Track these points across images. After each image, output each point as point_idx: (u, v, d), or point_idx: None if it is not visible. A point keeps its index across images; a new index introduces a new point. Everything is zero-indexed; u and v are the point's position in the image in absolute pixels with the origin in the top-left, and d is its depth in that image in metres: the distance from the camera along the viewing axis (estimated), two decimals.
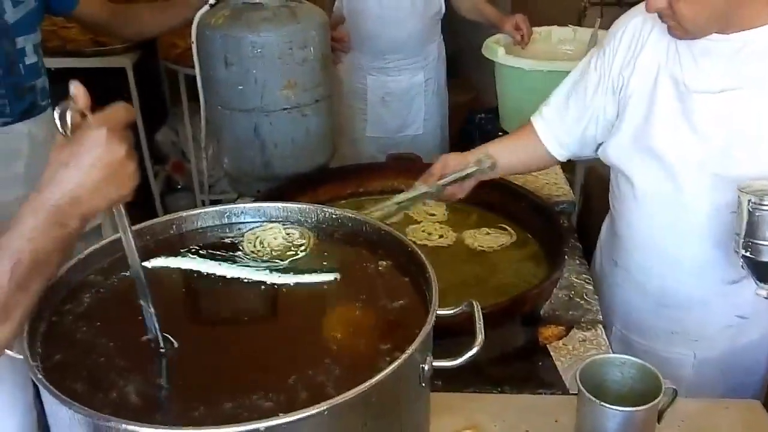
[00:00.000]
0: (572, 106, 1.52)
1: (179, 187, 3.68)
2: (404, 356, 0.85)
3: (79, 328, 0.96)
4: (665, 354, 1.50)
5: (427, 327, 0.91)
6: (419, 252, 1.06)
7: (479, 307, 1.01)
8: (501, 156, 1.56)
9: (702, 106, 1.32)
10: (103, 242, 1.08)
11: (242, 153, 1.83)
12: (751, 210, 1.19)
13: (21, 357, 0.85)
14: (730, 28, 1.27)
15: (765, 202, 1.18)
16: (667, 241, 1.43)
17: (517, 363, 1.34)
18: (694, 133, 1.33)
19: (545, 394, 1.25)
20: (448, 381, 1.24)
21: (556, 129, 1.56)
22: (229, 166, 1.90)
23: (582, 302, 1.48)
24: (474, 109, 3.05)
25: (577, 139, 1.54)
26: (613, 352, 1.15)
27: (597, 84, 1.48)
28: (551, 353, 1.34)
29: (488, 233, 1.68)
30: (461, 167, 1.53)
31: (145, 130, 3.46)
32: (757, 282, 1.26)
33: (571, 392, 1.24)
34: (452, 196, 1.57)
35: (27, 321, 0.86)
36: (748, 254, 1.22)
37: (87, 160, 0.81)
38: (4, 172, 1.72)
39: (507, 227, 1.70)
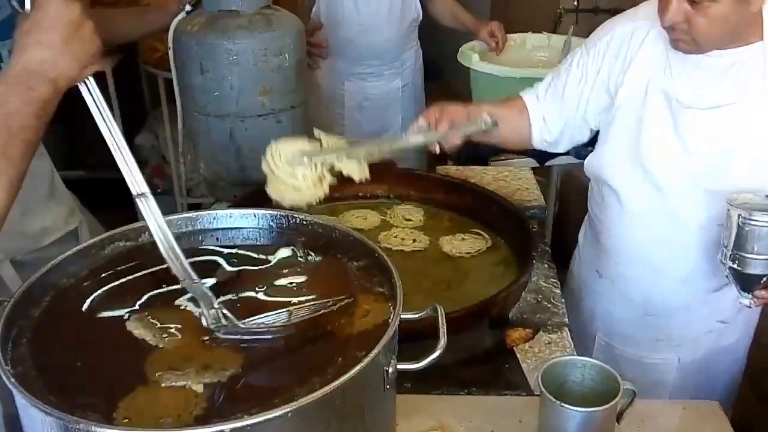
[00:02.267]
0: (550, 101, 1.54)
1: (159, 190, 3.69)
2: (368, 359, 0.88)
3: (53, 332, 0.97)
4: (649, 360, 1.54)
5: (391, 330, 0.93)
6: (385, 257, 1.09)
7: (443, 311, 1.04)
8: (498, 117, 1.50)
9: (694, 122, 1.33)
10: (79, 247, 1.11)
11: (218, 158, 1.86)
12: (740, 224, 1.22)
13: None
14: (732, 44, 1.28)
15: (755, 217, 1.21)
16: (653, 253, 1.46)
17: (484, 365, 1.37)
18: (685, 149, 1.35)
19: (511, 395, 1.28)
20: (417, 383, 1.27)
21: (542, 111, 1.56)
22: (206, 171, 1.92)
23: (549, 305, 1.52)
24: None
25: (558, 130, 1.56)
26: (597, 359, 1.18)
27: (578, 81, 1.49)
28: (518, 355, 1.37)
29: (464, 239, 1.71)
30: (466, 120, 1.48)
31: (125, 134, 3.46)
32: (740, 292, 1.30)
33: (536, 393, 1.27)
34: (451, 146, 1.50)
35: (13, 195, 0.89)
36: (735, 266, 1.26)
37: (45, 23, 0.91)
38: None
39: (481, 232, 1.73)
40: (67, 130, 3.63)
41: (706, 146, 1.34)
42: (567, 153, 2.58)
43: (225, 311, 0.97)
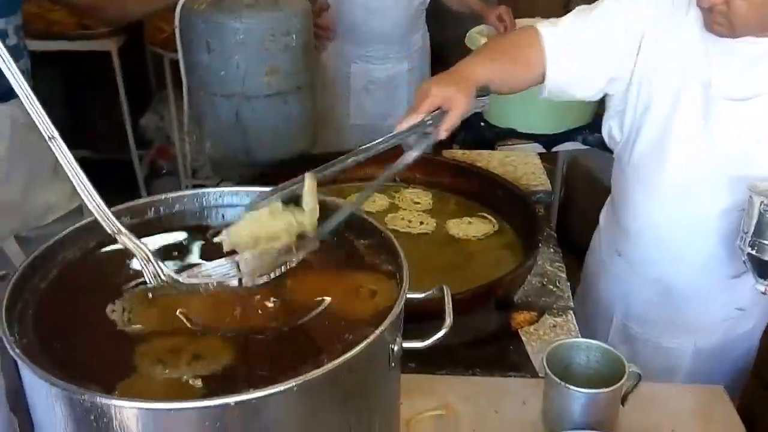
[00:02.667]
0: (569, 46, 1.40)
1: (164, 172, 3.69)
2: (373, 336, 0.88)
3: (57, 306, 0.97)
4: (665, 344, 1.54)
5: (397, 308, 0.93)
6: (392, 237, 1.09)
7: (449, 291, 1.03)
8: (493, 84, 1.33)
9: (725, 110, 1.32)
10: (85, 221, 1.10)
11: (224, 138, 1.85)
12: (762, 211, 1.22)
13: None
14: (766, 32, 1.26)
15: None
16: (673, 236, 1.45)
17: (489, 347, 1.37)
18: (712, 135, 1.34)
19: (515, 377, 1.28)
20: (422, 363, 1.27)
21: (562, 52, 1.39)
22: (211, 151, 1.92)
23: (554, 289, 1.52)
24: None
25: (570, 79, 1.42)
26: (610, 343, 1.18)
27: (606, 33, 1.38)
28: (522, 338, 1.37)
29: (470, 222, 1.70)
30: (468, 107, 1.26)
31: (130, 115, 3.47)
32: (758, 278, 1.29)
33: (540, 375, 1.27)
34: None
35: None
36: (754, 252, 1.25)
37: None
38: None
39: (488, 216, 1.72)
40: (70, 111, 3.63)
41: (734, 135, 1.33)
42: (575, 139, 2.59)
43: (161, 264, 0.96)
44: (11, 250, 1.78)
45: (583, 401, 1.09)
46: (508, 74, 1.38)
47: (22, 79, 0.94)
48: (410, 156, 1.26)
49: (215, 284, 0.99)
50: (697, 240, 1.43)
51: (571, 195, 3.34)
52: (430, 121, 1.24)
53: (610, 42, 1.38)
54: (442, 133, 1.24)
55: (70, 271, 1.04)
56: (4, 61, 0.92)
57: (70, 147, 2.12)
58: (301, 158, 1.93)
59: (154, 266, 0.97)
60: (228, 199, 1.21)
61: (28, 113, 1.81)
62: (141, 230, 1.13)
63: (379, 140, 1.28)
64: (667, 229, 1.47)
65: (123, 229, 0.97)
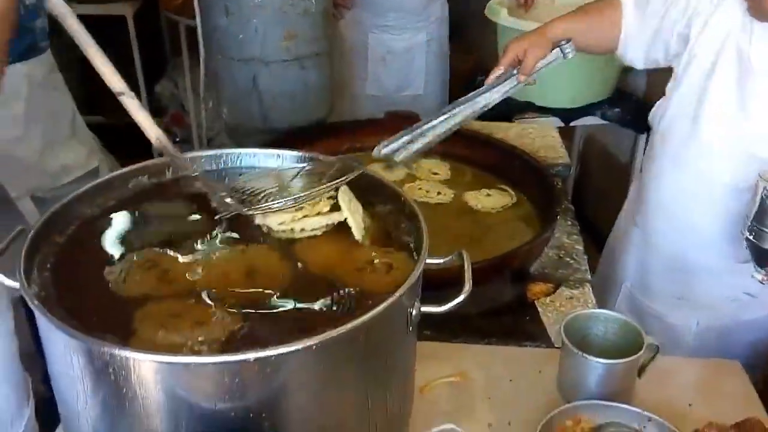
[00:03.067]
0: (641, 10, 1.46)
1: (177, 139, 3.68)
2: (392, 298, 0.87)
3: (74, 260, 0.97)
4: (669, 318, 1.53)
5: (416, 272, 0.92)
6: (412, 202, 1.08)
7: (468, 257, 1.02)
8: (578, 37, 1.48)
9: (762, 86, 1.30)
10: (102, 178, 1.11)
11: (241, 104, 1.84)
12: (764, 197, 1.20)
13: (14, 285, 0.87)
14: None
15: None
16: (688, 209, 1.44)
17: (504, 317, 1.36)
18: (742, 109, 1.32)
19: (531, 347, 1.28)
20: (437, 331, 1.26)
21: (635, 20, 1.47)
22: (228, 117, 1.90)
23: (571, 262, 1.50)
24: (476, 71, 3.04)
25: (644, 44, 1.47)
26: (617, 312, 1.17)
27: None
28: (538, 309, 1.36)
29: (489, 195, 1.68)
30: (544, 55, 1.47)
31: (145, 81, 3.45)
32: (756, 266, 1.28)
33: (556, 346, 1.27)
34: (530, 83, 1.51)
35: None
36: (751, 238, 1.24)
37: None
38: (3, 112, 1.72)
39: (507, 188, 1.70)
40: (85, 75, 3.60)
41: (762, 110, 1.30)
42: (593, 114, 2.56)
43: (228, 199, 1.00)
44: (27, 209, 1.78)
45: (601, 371, 1.08)
46: (588, 31, 1.50)
47: (87, 35, 0.93)
48: (494, 96, 1.50)
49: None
50: (711, 217, 1.42)
51: (587, 172, 3.31)
52: (515, 72, 1.49)
53: (677, 4, 1.40)
54: (522, 78, 1.47)
55: (88, 227, 1.04)
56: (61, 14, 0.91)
57: (85, 113, 2.12)
58: (318, 126, 1.91)
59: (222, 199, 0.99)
60: (246, 160, 1.20)
61: (46, 72, 1.82)
62: (158, 190, 1.14)
63: (471, 94, 1.52)
64: (683, 202, 1.46)
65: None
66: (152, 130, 1.09)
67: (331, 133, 1.88)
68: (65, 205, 1.03)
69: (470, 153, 1.85)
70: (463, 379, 1.19)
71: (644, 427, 1.05)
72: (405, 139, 1.56)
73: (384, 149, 1.56)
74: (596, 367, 1.08)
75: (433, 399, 1.15)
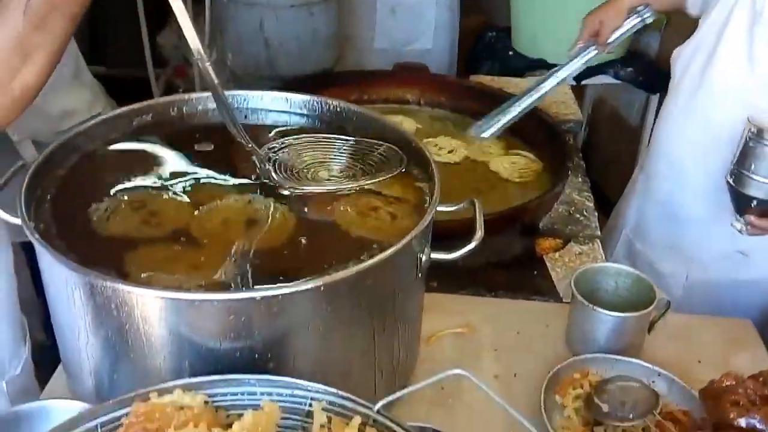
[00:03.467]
0: None
1: (180, 92, 3.63)
2: (403, 242, 0.85)
3: (76, 196, 0.95)
4: (660, 268, 1.52)
5: (427, 217, 0.90)
6: (423, 147, 1.05)
7: (480, 204, 1.00)
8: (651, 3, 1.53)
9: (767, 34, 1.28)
10: (106, 115, 1.08)
11: (246, 49, 1.80)
12: (747, 139, 1.20)
13: (15, 221, 0.85)
14: None
15: (764, 137, 1.17)
16: (689, 156, 1.43)
17: (512, 271, 1.34)
18: (749, 59, 1.30)
19: (538, 300, 1.26)
20: (444, 283, 1.24)
21: None
22: (233, 63, 1.86)
23: (581, 218, 1.48)
24: (485, 29, 2.98)
25: None
26: (615, 257, 1.16)
27: None
28: (547, 264, 1.34)
29: (514, 162, 1.63)
30: (622, 20, 1.52)
31: (148, 32, 3.38)
32: (735, 213, 1.27)
33: (564, 301, 1.25)
34: (610, 50, 1.61)
35: (50, 70, 0.84)
36: (731, 181, 1.23)
37: None
38: None
39: (529, 154, 1.65)
40: (88, 26, 3.54)
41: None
42: (606, 72, 2.51)
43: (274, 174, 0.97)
44: (28, 153, 1.75)
45: (610, 325, 1.06)
46: None
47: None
48: (574, 66, 1.58)
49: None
50: (710, 167, 1.40)
51: (595, 136, 3.27)
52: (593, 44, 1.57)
53: None
54: (601, 48, 1.55)
55: (90, 162, 1.01)
56: None
57: (88, 62, 2.07)
58: (325, 75, 1.87)
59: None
60: (253, 102, 1.17)
61: None
62: (162, 129, 1.11)
63: (553, 69, 1.61)
64: (686, 150, 1.45)
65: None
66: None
67: (339, 83, 1.83)
68: (67, 140, 1.00)
69: (479, 107, 1.81)
70: (469, 330, 1.17)
71: (653, 381, 1.03)
72: (498, 117, 1.62)
73: (483, 133, 1.62)
74: (606, 320, 1.06)
75: (438, 349, 1.13)
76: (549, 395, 1.01)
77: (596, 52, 1.57)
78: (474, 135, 1.64)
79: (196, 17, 3.16)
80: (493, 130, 1.63)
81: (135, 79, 3.53)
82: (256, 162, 1.01)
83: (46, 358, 1.13)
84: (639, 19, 1.53)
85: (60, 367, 1.02)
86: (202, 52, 0.91)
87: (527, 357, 1.12)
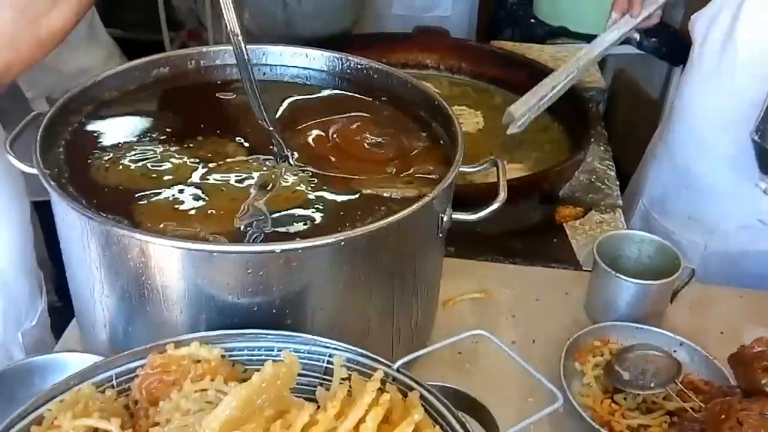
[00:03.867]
0: None
1: None
2: (425, 200, 0.83)
3: (91, 146, 0.93)
4: (678, 238, 1.49)
5: (450, 176, 0.87)
6: (446, 105, 1.02)
7: (504, 164, 0.97)
8: None
9: None
10: (123, 66, 1.06)
11: (264, 9, 1.76)
12: None
13: (30, 170, 0.83)
14: None
15: None
16: (711, 124, 1.40)
17: (531, 238, 1.32)
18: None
19: (558, 268, 1.23)
20: (461, 248, 1.22)
21: None
22: (250, 23, 1.83)
23: (603, 187, 1.45)
24: None
25: None
26: (632, 227, 1.13)
27: None
28: (567, 232, 1.32)
29: None
30: None
31: None
32: (761, 171, 1.23)
33: (585, 269, 1.22)
34: (652, 23, 1.54)
35: (78, 17, 0.82)
36: (757, 139, 1.19)
37: None
38: None
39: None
40: None
41: None
42: (628, 42, 2.45)
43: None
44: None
45: (633, 292, 1.04)
46: None
47: None
48: (610, 35, 1.51)
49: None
50: (732, 135, 1.37)
51: (614, 108, 3.22)
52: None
53: None
54: (635, 19, 1.47)
55: (104, 113, 0.99)
56: None
57: (104, 25, 2.03)
58: (344, 37, 1.84)
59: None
60: (272, 58, 1.15)
61: None
62: (179, 80, 1.09)
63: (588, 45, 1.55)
64: (708, 117, 1.41)
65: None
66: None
67: (357, 45, 1.79)
68: (83, 90, 0.98)
69: (500, 73, 1.78)
70: (487, 296, 1.15)
71: (675, 351, 1.01)
72: (533, 101, 1.52)
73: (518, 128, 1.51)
74: (629, 287, 1.04)
75: (456, 314, 1.12)
76: (568, 362, 1.00)
77: (631, 25, 1.49)
78: (510, 128, 1.52)
79: None
80: (529, 116, 1.52)
81: (150, 42, 3.52)
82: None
83: (59, 319, 1.13)
84: None
85: (73, 322, 1.01)
86: (239, 33, 0.89)
87: (546, 324, 1.11)
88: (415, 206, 0.81)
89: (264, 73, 1.13)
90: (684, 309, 1.12)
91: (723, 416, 0.72)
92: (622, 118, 3.14)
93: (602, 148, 1.58)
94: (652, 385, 0.93)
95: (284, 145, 0.94)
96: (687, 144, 1.48)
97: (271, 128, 0.93)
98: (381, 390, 0.67)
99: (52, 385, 0.70)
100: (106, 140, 0.95)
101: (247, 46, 1.00)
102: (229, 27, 0.89)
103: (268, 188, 0.89)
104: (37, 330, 1.05)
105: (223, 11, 0.88)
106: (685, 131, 1.48)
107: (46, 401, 0.68)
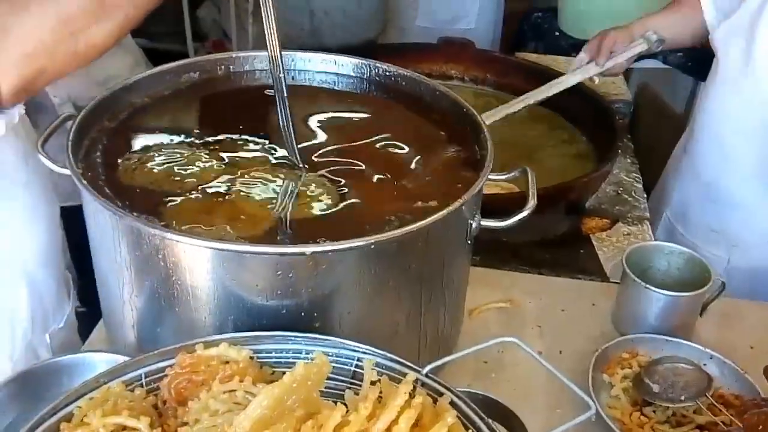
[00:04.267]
0: None
1: None
2: (455, 205, 0.82)
3: (122, 147, 0.94)
4: (702, 251, 1.47)
5: (480, 182, 0.87)
6: (475, 112, 1.02)
7: (533, 173, 0.97)
8: (662, 30, 1.51)
9: None
10: (155, 69, 1.07)
11: (291, 19, 1.78)
12: None
13: (63, 171, 0.84)
14: None
15: None
16: (735, 135, 1.39)
17: (557, 249, 1.31)
18: None
19: (585, 279, 1.22)
20: (487, 258, 1.21)
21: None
22: (278, 33, 1.84)
23: (630, 199, 1.44)
24: (530, 12, 2.93)
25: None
26: (656, 239, 1.13)
27: None
28: (594, 243, 1.31)
29: None
30: (629, 43, 1.50)
31: (189, 5, 3.38)
32: None
33: (612, 281, 1.21)
34: (616, 73, 1.58)
35: (124, 33, 0.83)
36: None
37: None
38: None
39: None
40: None
41: None
42: (654, 57, 2.44)
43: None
44: None
45: (662, 304, 1.03)
46: (672, 25, 1.51)
47: None
48: (573, 78, 1.55)
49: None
50: (757, 147, 1.37)
51: (637, 124, 3.20)
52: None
53: None
54: (600, 60, 1.51)
55: (134, 116, 1.00)
56: None
57: (131, 35, 2.05)
58: (369, 46, 1.85)
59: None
60: (300, 63, 1.15)
61: None
62: (208, 85, 1.09)
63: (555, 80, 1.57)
64: (732, 128, 1.40)
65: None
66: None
67: (383, 55, 1.79)
68: (114, 93, 0.99)
69: (525, 84, 1.77)
70: (512, 305, 1.14)
71: (705, 364, 0.99)
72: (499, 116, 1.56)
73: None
74: (658, 299, 1.02)
75: (481, 322, 1.11)
76: (596, 374, 0.98)
77: (595, 72, 1.53)
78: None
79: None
80: (493, 118, 1.56)
81: (175, 52, 3.56)
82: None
83: (83, 324, 1.13)
84: (644, 41, 1.49)
85: (100, 324, 1.02)
86: (280, 62, 0.90)
87: (573, 335, 1.09)
88: (444, 211, 0.81)
89: (293, 78, 1.14)
90: (712, 323, 1.10)
91: (761, 427, 0.71)
92: (646, 132, 3.12)
93: (629, 160, 1.58)
94: (683, 398, 0.92)
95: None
96: (711, 156, 1.47)
97: (301, 165, 0.94)
98: (410, 395, 0.66)
99: (82, 382, 0.70)
100: (136, 143, 0.95)
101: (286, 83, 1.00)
102: (276, 69, 0.92)
103: (294, 195, 0.89)
104: (64, 332, 1.05)
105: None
106: (709, 143, 1.47)
107: (76, 398, 0.68)
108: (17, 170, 0.96)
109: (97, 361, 0.86)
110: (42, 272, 0.99)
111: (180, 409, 0.70)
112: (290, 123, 0.94)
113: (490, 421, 0.68)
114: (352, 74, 1.16)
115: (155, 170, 0.90)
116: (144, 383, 0.72)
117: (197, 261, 0.75)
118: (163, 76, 1.06)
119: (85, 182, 0.79)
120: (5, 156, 0.95)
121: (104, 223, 0.80)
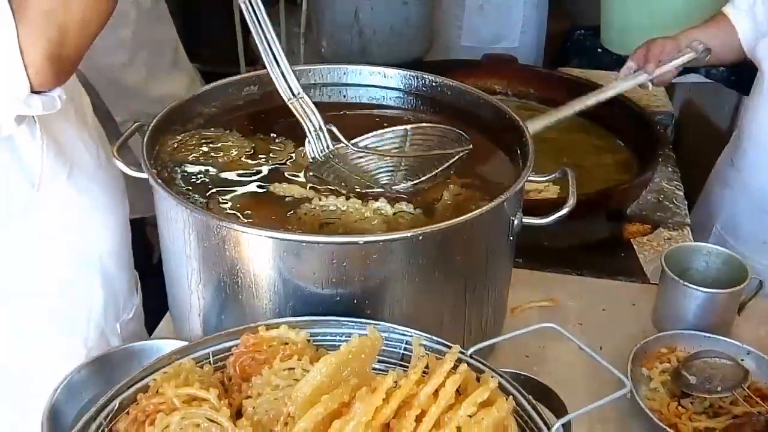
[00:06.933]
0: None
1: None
2: (497, 200, 0.88)
3: (188, 151, 1.02)
4: (754, 263, 1.48)
5: (521, 180, 0.92)
6: (517, 117, 1.08)
7: (573, 173, 1.02)
8: (709, 44, 1.52)
9: None
10: (219, 82, 1.16)
11: (340, 37, 1.86)
12: None
13: (139, 175, 0.92)
14: None
15: None
16: None
17: (599, 253, 1.35)
18: None
19: (625, 281, 1.26)
20: (529, 260, 1.26)
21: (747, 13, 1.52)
22: (327, 51, 1.93)
23: (671, 206, 1.47)
24: (573, 31, 2.97)
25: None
26: None
27: None
28: (635, 247, 1.34)
29: None
30: (676, 52, 1.51)
31: (242, 30, 3.51)
32: None
33: (652, 282, 1.24)
34: (664, 82, 1.59)
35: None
36: None
37: None
38: (111, 37, 1.79)
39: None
40: (184, 23, 3.70)
41: None
42: (697, 71, 2.45)
43: (334, 129, 0.97)
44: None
45: (701, 301, 1.06)
46: (714, 36, 1.53)
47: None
48: (623, 85, 1.55)
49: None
50: None
51: (681, 140, 3.19)
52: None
53: None
54: (650, 68, 1.50)
55: (201, 124, 1.08)
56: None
57: None
58: (416, 63, 1.92)
59: (321, 138, 0.98)
60: (352, 77, 1.23)
61: (153, 1, 1.87)
62: (267, 101, 1.17)
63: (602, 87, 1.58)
64: None
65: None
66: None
67: (429, 71, 1.86)
68: (184, 102, 1.08)
69: (569, 99, 1.81)
70: (554, 304, 1.19)
71: (742, 360, 1.02)
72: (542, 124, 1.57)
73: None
74: (697, 296, 1.06)
75: (524, 320, 1.15)
76: (635, 368, 1.02)
77: (644, 80, 1.53)
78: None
79: (287, 20, 3.29)
80: (534, 127, 1.54)
81: (227, 74, 3.69)
82: None
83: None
84: (693, 54, 1.50)
85: (166, 316, 1.10)
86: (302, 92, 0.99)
87: (613, 332, 1.13)
88: (487, 206, 0.87)
89: (344, 95, 1.21)
90: (752, 323, 1.13)
91: None
92: (690, 148, 3.11)
93: (670, 169, 1.60)
94: (719, 389, 0.95)
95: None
96: (760, 168, 1.48)
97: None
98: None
99: (157, 358, 0.77)
100: (200, 148, 1.04)
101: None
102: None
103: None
104: (132, 323, 1.14)
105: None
106: (757, 155, 1.48)
107: (152, 372, 0.76)
108: (96, 174, 1.05)
109: (166, 347, 0.93)
110: (115, 267, 1.08)
111: (244, 384, 0.77)
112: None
113: (530, 397, 0.73)
114: (401, 86, 1.23)
115: (217, 174, 0.99)
116: (212, 361, 0.79)
117: (260, 251, 0.82)
118: (225, 89, 1.15)
119: (159, 181, 0.87)
120: (84, 161, 1.04)
121: (176, 219, 0.88)
